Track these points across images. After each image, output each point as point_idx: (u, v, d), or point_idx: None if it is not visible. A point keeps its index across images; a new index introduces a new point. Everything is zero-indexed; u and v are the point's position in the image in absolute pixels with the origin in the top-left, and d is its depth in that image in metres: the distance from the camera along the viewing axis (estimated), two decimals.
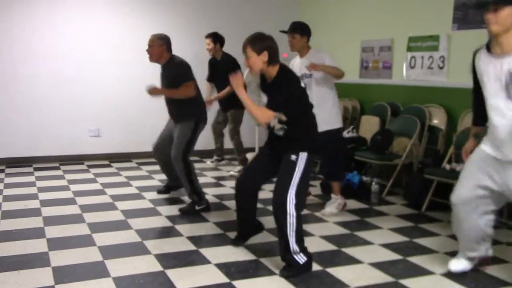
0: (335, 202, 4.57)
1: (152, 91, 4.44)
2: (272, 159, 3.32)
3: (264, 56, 3.12)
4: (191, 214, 4.39)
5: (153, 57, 4.57)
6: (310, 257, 3.21)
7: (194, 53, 6.80)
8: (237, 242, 3.68)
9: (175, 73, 4.51)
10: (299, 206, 3.10)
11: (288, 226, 3.06)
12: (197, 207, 4.39)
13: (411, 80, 5.72)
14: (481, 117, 3.08)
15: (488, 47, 2.88)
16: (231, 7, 7.37)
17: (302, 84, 3.27)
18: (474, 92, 3.08)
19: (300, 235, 3.14)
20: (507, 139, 2.82)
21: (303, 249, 3.16)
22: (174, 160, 4.44)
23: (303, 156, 3.16)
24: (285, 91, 3.14)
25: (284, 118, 3.15)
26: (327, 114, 4.24)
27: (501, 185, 2.91)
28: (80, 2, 6.56)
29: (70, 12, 6.54)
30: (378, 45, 6.26)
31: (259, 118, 3.12)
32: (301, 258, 3.14)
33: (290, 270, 3.14)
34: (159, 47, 4.52)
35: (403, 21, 5.84)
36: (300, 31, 4.42)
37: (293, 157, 3.15)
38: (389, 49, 6.06)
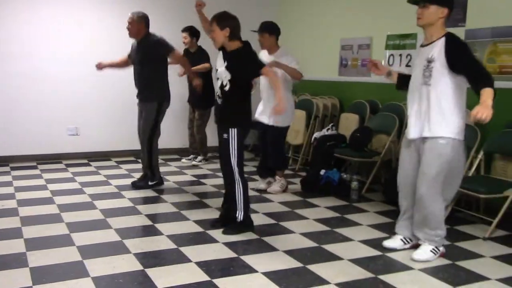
0: (279, 182, 5.18)
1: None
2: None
3: (226, 32, 3.68)
4: (143, 189, 4.81)
5: (132, 34, 4.91)
6: (251, 222, 3.93)
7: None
8: (215, 224, 4.02)
9: (154, 48, 4.87)
10: (242, 173, 3.82)
11: (236, 191, 3.80)
12: (150, 182, 4.72)
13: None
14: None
15: None
16: (213, 6, 7.31)
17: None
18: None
19: (246, 200, 3.85)
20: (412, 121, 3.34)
21: (246, 212, 3.87)
22: (142, 142, 4.82)
23: (233, 132, 3.73)
24: (242, 60, 3.71)
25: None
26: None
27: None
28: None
29: (48, 10, 6.43)
30: (357, 43, 6.31)
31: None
32: (240, 216, 3.84)
33: (230, 228, 3.83)
34: (138, 23, 4.86)
35: (382, 20, 5.90)
36: (268, 30, 4.90)
37: (225, 135, 3.77)
38: (368, 47, 6.11)
